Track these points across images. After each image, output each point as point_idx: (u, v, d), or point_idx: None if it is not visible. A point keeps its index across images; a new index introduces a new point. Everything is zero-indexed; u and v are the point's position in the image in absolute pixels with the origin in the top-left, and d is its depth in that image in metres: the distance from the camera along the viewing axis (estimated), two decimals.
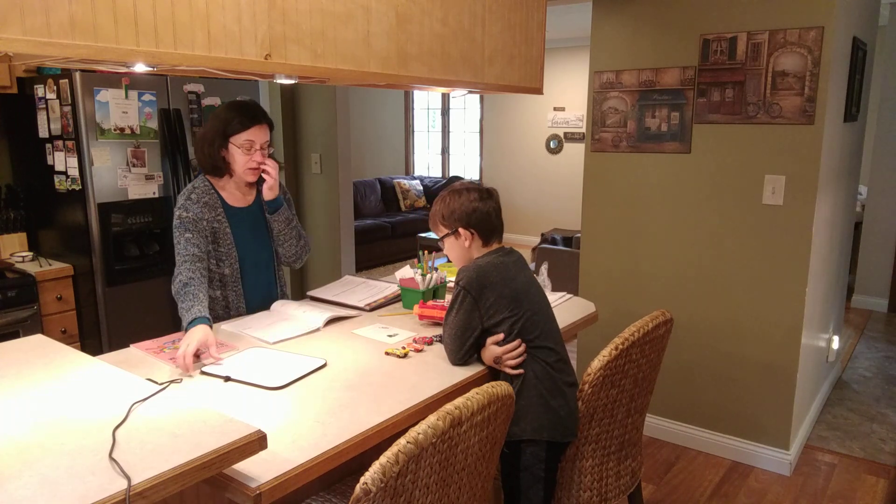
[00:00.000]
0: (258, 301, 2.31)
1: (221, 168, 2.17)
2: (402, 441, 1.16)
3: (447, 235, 1.90)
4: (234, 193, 2.25)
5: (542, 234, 5.92)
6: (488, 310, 1.78)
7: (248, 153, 2.13)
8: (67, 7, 1.31)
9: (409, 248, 7.50)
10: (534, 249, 5.99)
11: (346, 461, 1.41)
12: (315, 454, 1.34)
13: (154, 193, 3.21)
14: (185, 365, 1.70)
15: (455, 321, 1.81)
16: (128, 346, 1.95)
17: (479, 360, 1.86)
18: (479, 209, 1.85)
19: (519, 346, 1.77)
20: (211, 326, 1.85)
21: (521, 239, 8.66)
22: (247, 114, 2.13)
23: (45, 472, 1.07)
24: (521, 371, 1.77)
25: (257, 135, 2.13)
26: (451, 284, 2.61)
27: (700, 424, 3.16)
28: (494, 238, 1.88)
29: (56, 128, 3.03)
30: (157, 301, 3.25)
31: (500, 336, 1.78)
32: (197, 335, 1.76)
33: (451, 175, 9.24)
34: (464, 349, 1.81)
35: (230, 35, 1.61)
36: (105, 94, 2.96)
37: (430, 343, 2.00)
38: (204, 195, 2.18)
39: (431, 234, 6.92)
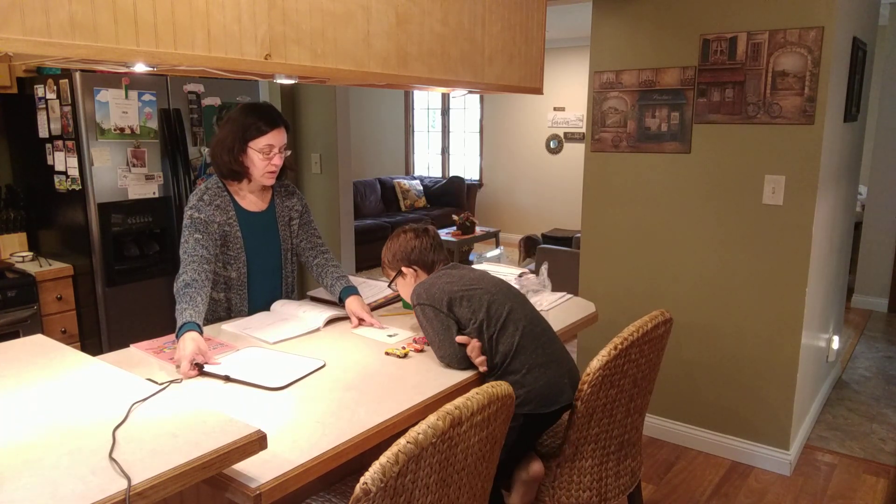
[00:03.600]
0: (261, 306, 2.30)
1: (240, 172, 2.15)
2: (402, 441, 1.16)
3: (396, 277, 2.05)
4: (248, 198, 2.23)
5: (528, 236, 5.95)
6: (444, 306, 1.84)
7: (266, 157, 2.11)
8: (67, 7, 1.31)
9: None
10: (520, 242, 6.03)
11: (346, 461, 1.41)
12: (315, 454, 1.34)
13: (154, 193, 3.21)
14: (186, 376, 1.71)
15: (433, 331, 1.85)
16: (128, 346, 1.95)
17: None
18: (417, 246, 2.02)
19: (477, 346, 1.81)
20: (201, 331, 1.83)
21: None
22: (265, 118, 2.11)
23: (45, 472, 1.07)
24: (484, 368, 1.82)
25: (276, 138, 2.11)
26: None
27: (700, 424, 3.16)
28: (436, 268, 2.02)
29: (56, 128, 3.03)
30: (157, 301, 3.25)
31: (476, 343, 1.82)
32: (188, 348, 1.73)
33: (451, 175, 9.24)
34: (455, 347, 1.82)
35: (230, 35, 1.61)
36: (105, 94, 2.96)
37: (435, 351, 2.00)
38: (216, 197, 2.16)
39: None
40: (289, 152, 2.20)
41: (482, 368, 1.80)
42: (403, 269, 2.03)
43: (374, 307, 2.35)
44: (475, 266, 2.95)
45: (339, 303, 2.26)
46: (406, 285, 2.04)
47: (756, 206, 2.85)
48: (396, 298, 2.48)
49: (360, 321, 2.16)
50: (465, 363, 1.83)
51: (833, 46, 2.62)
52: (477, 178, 9.10)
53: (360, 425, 1.47)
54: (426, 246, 2.03)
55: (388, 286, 2.10)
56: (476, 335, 1.82)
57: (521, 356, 1.79)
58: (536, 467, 1.83)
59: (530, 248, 5.96)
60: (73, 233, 3.13)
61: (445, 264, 2.04)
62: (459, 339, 1.82)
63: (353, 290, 2.24)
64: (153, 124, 3.16)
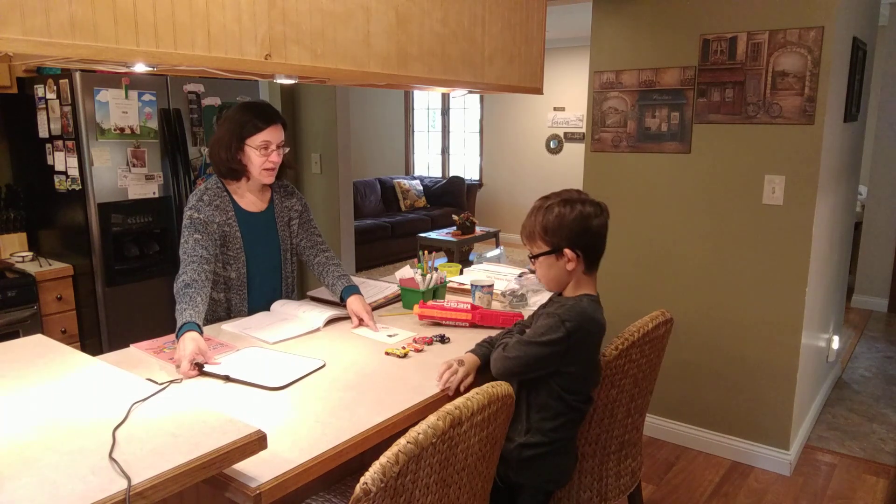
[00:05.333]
0: (262, 306, 2.30)
1: (238, 171, 2.16)
2: (402, 441, 1.16)
3: (546, 254, 1.60)
4: (247, 197, 2.24)
5: None
6: (568, 358, 1.59)
7: (264, 154, 2.12)
8: (67, 7, 1.31)
9: (409, 248, 7.50)
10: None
11: (346, 461, 1.41)
12: (315, 454, 1.34)
13: (154, 193, 3.21)
14: (186, 375, 1.71)
15: (536, 352, 1.58)
16: (128, 346, 1.95)
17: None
18: (593, 228, 1.58)
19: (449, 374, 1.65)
20: (201, 331, 1.83)
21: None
22: (261, 115, 2.11)
23: (45, 472, 1.07)
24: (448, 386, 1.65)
25: (273, 135, 2.12)
26: (460, 282, 2.61)
27: (700, 424, 3.16)
28: (596, 267, 1.66)
29: (56, 128, 3.03)
30: (157, 301, 3.25)
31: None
32: (188, 348, 1.73)
33: (451, 175, 9.24)
34: (517, 377, 1.62)
35: (230, 35, 1.61)
36: (105, 94, 2.96)
37: (430, 343, 2.00)
38: (216, 197, 2.16)
39: (431, 234, 6.92)
40: (287, 149, 2.20)
41: (444, 389, 1.66)
42: (567, 250, 1.58)
43: (375, 307, 2.35)
44: (475, 266, 2.96)
45: (341, 301, 2.26)
46: (557, 268, 1.61)
47: (756, 206, 2.85)
48: (396, 298, 2.48)
49: (361, 322, 2.16)
50: (506, 378, 1.58)
51: (833, 46, 2.62)
52: (477, 178, 9.10)
53: (359, 425, 1.47)
54: (601, 230, 1.60)
55: (530, 257, 1.66)
56: (556, 403, 1.63)
57: (557, 442, 1.68)
58: None
59: None
60: (73, 233, 3.13)
61: (596, 271, 1.67)
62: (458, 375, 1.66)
63: (354, 290, 2.24)
64: (153, 124, 3.16)
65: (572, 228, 1.57)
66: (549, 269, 1.63)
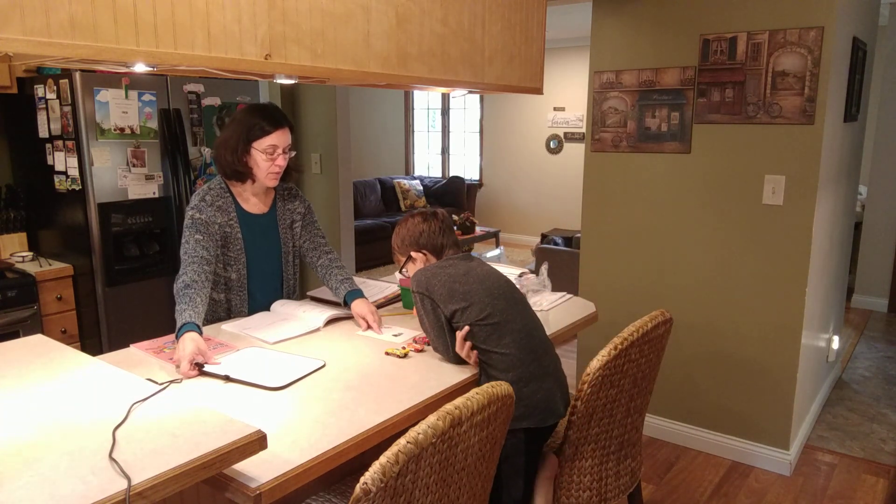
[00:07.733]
0: (262, 307, 2.30)
1: (244, 174, 2.15)
2: (402, 441, 1.16)
3: (406, 262, 2.04)
4: (250, 199, 2.23)
5: (543, 235, 5.91)
6: (443, 302, 1.84)
7: (270, 158, 2.11)
8: (67, 7, 1.31)
9: None
10: (534, 250, 5.98)
11: (346, 461, 1.42)
12: (315, 454, 1.34)
13: (154, 193, 3.21)
14: (186, 376, 1.71)
15: (429, 325, 1.88)
16: (128, 346, 1.95)
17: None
18: (425, 230, 2.00)
19: (464, 335, 1.81)
20: (201, 332, 1.83)
21: (522, 239, 8.66)
22: (269, 118, 2.10)
23: (45, 472, 1.07)
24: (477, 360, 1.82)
25: (280, 139, 2.11)
26: None
27: (700, 424, 3.16)
28: (446, 251, 2.01)
29: (56, 128, 3.03)
30: (157, 301, 3.25)
31: (466, 329, 1.80)
32: (188, 348, 1.73)
33: (451, 175, 9.24)
34: (448, 344, 1.85)
35: (230, 35, 1.61)
36: (105, 94, 2.96)
37: (430, 343, 2.00)
38: (218, 198, 2.16)
39: None
40: (293, 153, 2.20)
41: (472, 362, 1.82)
42: (413, 253, 2.02)
43: (375, 307, 2.35)
44: None
45: (345, 305, 2.25)
46: (415, 266, 2.04)
47: (756, 206, 2.85)
48: (396, 298, 2.48)
49: (368, 326, 2.15)
50: (458, 359, 1.84)
51: (833, 46, 2.62)
52: (477, 178, 9.10)
53: (359, 425, 1.47)
54: (434, 230, 2.00)
55: (399, 272, 2.09)
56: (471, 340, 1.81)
57: (516, 369, 1.77)
58: (551, 462, 1.84)
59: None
60: (73, 233, 3.13)
61: (456, 250, 2.01)
62: (459, 335, 1.81)
63: (358, 294, 2.24)
64: (153, 124, 3.16)
65: (412, 239, 2.02)
66: (412, 269, 2.03)
